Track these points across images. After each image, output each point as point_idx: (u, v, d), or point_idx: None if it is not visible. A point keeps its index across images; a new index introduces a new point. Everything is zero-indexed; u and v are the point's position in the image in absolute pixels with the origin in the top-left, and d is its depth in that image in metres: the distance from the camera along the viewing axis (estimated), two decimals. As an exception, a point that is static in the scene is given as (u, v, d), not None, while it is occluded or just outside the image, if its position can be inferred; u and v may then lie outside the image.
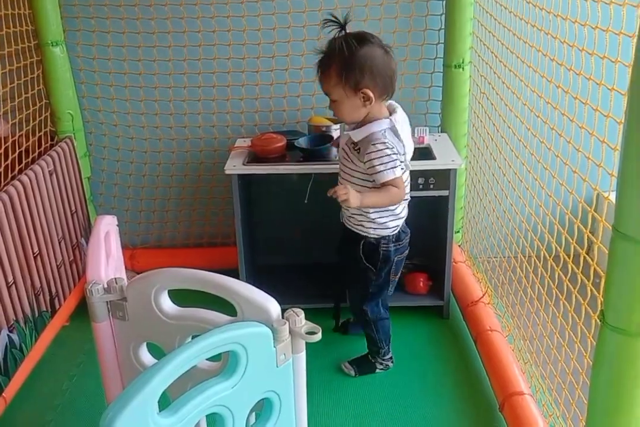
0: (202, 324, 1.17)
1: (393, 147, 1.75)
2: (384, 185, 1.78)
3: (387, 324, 2.11)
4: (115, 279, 1.24)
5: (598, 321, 1.22)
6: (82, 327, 2.29)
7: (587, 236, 1.57)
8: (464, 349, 2.28)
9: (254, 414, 1.24)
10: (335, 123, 2.46)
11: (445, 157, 2.28)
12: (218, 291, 1.16)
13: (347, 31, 1.74)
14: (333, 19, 1.73)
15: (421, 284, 2.48)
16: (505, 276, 2.26)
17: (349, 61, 1.70)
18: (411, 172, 2.20)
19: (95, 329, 1.28)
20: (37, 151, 2.35)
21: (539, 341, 1.94)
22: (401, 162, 1.79)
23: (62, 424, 1.97)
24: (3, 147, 2.10)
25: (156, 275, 1.20)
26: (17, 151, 2.19)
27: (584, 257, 1.57)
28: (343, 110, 1.79)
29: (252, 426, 1.19)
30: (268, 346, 1.12)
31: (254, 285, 1.17)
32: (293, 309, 1.17)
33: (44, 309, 2.18)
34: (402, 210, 1.93)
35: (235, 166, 2.27)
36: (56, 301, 2.27)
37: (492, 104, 2.31)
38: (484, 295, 2.34)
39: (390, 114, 1.83)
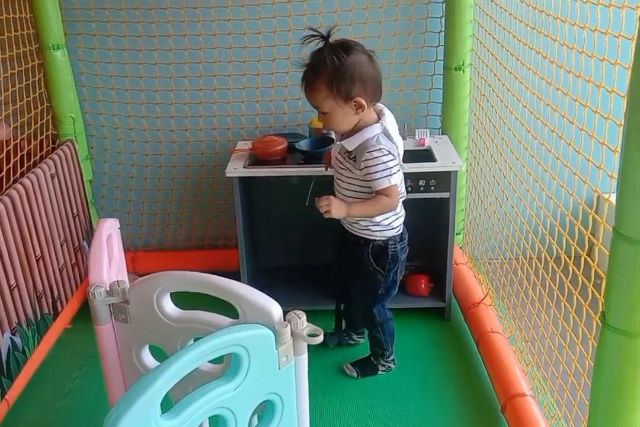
0: (205, 327, 1.17)
1: (389, 153, 1.75)
2: (378, 193, 1.78)
3: (392, 325, 2.12)
4: (117, 281, 1.24)
5: (599, 322, 1.22)
6: (84, 330, 2.29)
7: (588, 237, 1.57)
8: (465, 351, 2.28)
9: (256, 416, 1.25)
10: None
11: (446, 159, 2.28)
12: (220, 294, 1.17)
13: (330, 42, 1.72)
14: (314, 33, 1.71)
15: (422, 285, 2.49)
16: (506, 278, 2.26)
17: (338, 72, 1.68)
18: (412, 174, 2.23)
19: (98, 331, 1.28)
20: (38, 154, 2.36)
21: (540, 342, 1.95)
22: (397, 164, 1.79)
23: (65, 426, 1.97)
24: (5, 151, 2.11)
25: (158, 278, 1.21)
26: (19, 154, 2.21)
27: (585, 258, 1.57)
28: (335, 121, 1.77)
29: (255, 428, 1.19)
30: (270, 348, 1.12)
31: (255, 287, 1.18)
32: (295, 311, 1.17)
33: (47, 312, 2.18)
34: (402, 208, 1.94)
35: (236, 169, 2.28)
36: (58, 303, 2.28)
37: (492, 106, 2.31)
38: (485, 297, 2.34)
39: (379, 117, 1.82)
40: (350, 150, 1.79)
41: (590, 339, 1.53)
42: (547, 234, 1.86)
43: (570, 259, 1.66)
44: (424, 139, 2.43)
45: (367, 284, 2.00)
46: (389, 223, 1.89)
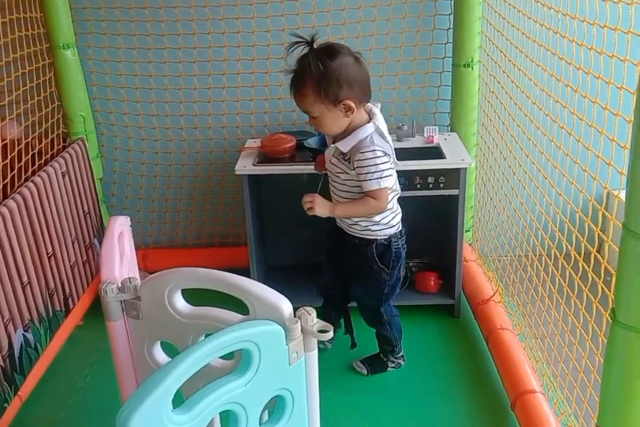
0: (215, 323, 1.18)
1: (381, 155, 1.74)
2: (366, 195, 1.78)
3: (399, 321, 2.12)
4: (129, 278, 1.25)
5: (609, 318, 1.22)
6: (95, 327, 2.30)
7: (598, 234, 1.57)
8: (475, 348, 2.28)
9: (266, 411, 1.26)
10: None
11: (455, 156, 2.28)
12: (231, 290, 1.18)
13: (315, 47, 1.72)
14: (299, 39, 1.71)
15: (432, 282, 2.49)
16: (516, 275, 2.26)
17: (324, 76, 1.67)
18: (421, 171, 2.23)
19: (110, 328, 1.29)
20: (49, 153, 2.38)
21: (550, 339, 1.94)
22: (390, 166, 1.77)
23: (76, 422, 1.99)
24: (16, 150, 2.13)
25: (169, 274, 1.22)
26: (31, 153, 2.22)
27: (595, 255, 1.57)
28: (326, 124, 1.77)
29: (265, 423, 1.20)
30: (280, 344, 1.13)
31: (265, 284, 1.18)
32: (305, 307, 1.18)
33: (58, 309, 2.20)
34: (397, 205, 1.94)
35: (245, 167, 2.29)
36: (70, 300, 2.30)
37: (501, 102, 2.31)
38: (494, 293, 2.34)
39: (370, 117, 1.81)
40: (345, 151, 1.78)
41: (600, 335, 1.53)
42: (557, 230, 1.86)
43: (580, 256, 1.66)
44: (432, 136, 2.43)
45: (372, 285, 2.00)
46: (388, 221, 1.89)
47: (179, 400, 1.03)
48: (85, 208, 2.48)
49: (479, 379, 2.12)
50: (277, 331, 1.12)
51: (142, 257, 2.73)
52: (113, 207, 2.85)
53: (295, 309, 1.18)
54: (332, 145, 1.83)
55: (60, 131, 2.54)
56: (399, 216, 1.94)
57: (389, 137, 1.83)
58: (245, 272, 2.19)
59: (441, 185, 2.25)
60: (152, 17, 2.54)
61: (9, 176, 2.05)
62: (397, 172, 2.23)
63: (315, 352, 1.20)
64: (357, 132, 1.76)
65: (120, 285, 1.26)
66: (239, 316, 1.19)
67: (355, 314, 2.17)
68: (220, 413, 1.13)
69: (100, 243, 2.57)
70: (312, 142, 2.36)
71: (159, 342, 1.31)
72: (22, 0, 2.30)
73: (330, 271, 2.13)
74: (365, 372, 2.15)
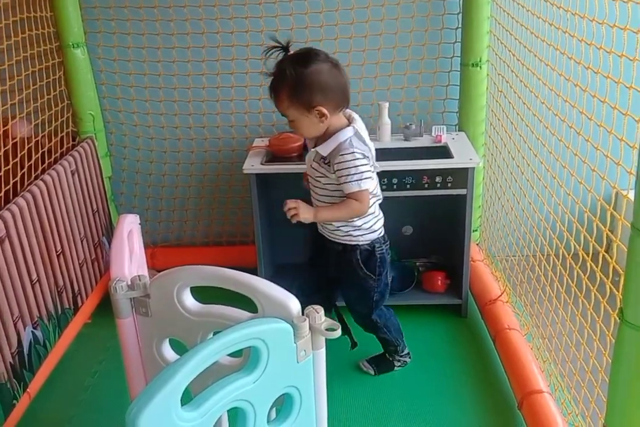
0: (224, 321, 1.19)
1: (360, 157, 1.74)
2: (348, 197, 1.78)
3: (395, 320, 2.10)
4: (138, 276, 1.26)
5: (617, 318, 1.22)
6: (103, 325, 2.33)
7: (606, 234, 1.57)
8: (482, 348, 2.28)
9: (274, 409, 1.26)
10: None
11: (462, 155, 2.28)
12: (239, 288, 1.18)
13: (291, 52, 1.74)
14: (275, 44, 1.73)
15: (439, 282, 2.49)
16: (523, 275, 2.26)
17: (297, 82, 1.69)
18: (429, 170, 2.23)
19: (119, 325, 1.30)
20: (59, 151, 2.39)
21: (557, 339, 1.94)
22: (370, 168, 1.77)
23: (85, 420, 2.00)
24: (26, 148, 2.14)
25: (178, 272, 1.22)
26: (40, 151, 2.24)
27: (603, 255, 1.56)
28: (302, 128, 1.78)
29: (274, 421, 1.21)
30: (289, 342, 1.13)
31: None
32: (313, 306, 1.18)
33: (67, 307, 2.22)
34: (377, 209, 1.92)
35: (253, 166, 2.29)
36: (78, 298, 2.31)
37: (509, 102, 2.30)
38: (502, 293, 2.34)
39: (350, 121, 1.81)
40: (325, 155, 1.78)
41: (608, 335, 1.53)
42: (565, 230, 1.85)
43: (588, 256, 1.66)
44: (440, 136, 2.43)
45: (360, 292, 1.98)
46: (370, 226, 1.88)
47: (188, 397, 1.04)
48: (94, 206, 2.50)
49: (486, 379, 2.12)
50: (285, 328, 1.13)
51: (151, 255, 2.74)
52: (122, 206, 2.86)
53: (302, 309, 1.18)
54: (312, 150, 1.84)
55: (69, 130, 2.55)
56: (381, 221, 1.93)
57: (369, 142, 1.83)
58: (253, 270, 2.20)
59: (449, 184, 2.26)
60: (161, 16, 2.56)
61: (19, 174, 2.06)
62: (403, 171, 2.25)
63: (323, 350, 1.21)
64: (337, 136, 1.76)
65: (129, 283, 1.27)
66: (247, 314, 1.20)
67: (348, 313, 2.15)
68: (228, 411, 1.13)
69: (109, 241, 2.59)
70: (320, 142, 2.36)
71: (167, 340, 1.32)
72: (33, 0, 2.31)
73: (314, 280, 2.08)
74: (372, 372, 2.15)
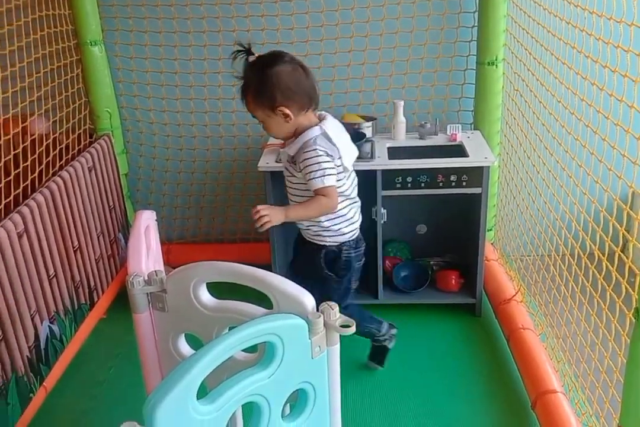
0: (240, 316, 1.20)
1: (323, 154, 1.75)
2: (316, 193, 1.78)
3: (361, 311, 2.08)
4: (155, 271, 1.27)
5: (632, 318, 1.22)
6: (119, 320, 2.36)
7: (622, 233, 1.56)
8: (496, 347, 2.28)
9: (288, 405, 1.27)
10: (367, 120, 2.48)
11: (478, 154, 2.28)
12: (255, 284, 1.19)
13: (255, 54, 1.77)
14: (240, 48, 1.76)
15: (453, 281, 2.49)
16: (538, 274, 2.25)
17: (259, 84, 1.73)
18: (444, 169, 2.23)
19: (136, 319, 1.31)
20: (76, 148, 2.42)
21: (572, 339, 1.93)
22: (336, 166, 1.78)
23: (101, 413, 2.02)
24: (44, 145, 2.17)
25: (195, 268, 1.23)
26: (58, 148, 2.26)
27: (619, 255, 1.56)
28: (270, 128, 1.82)
29: (288, 417, 1.21)
30: (303, 338, 1.14)
31: (286, 280, 1.20)
32: (327, 302, 1.19)
33: (83, 302, 2.24)
34: (355, 214, 1.92)
35: (268, 163, 2.30)
36: (95, 293, 2.34)
37: (525, 101, 2.30)
38: (516, 293, 2.33)
39: (321, 122, 1.82)
40: (292, 155, 1.81)
41: (623, 335, 1.52)
42: (581, 230, 1.85)
43: (604, 256, 1.65)
44: (455, 134, 2.43)
45: (320, 293, 1.96)
46: (339, 229, 1.88)
47: (203, 392, 1.05)
48: (111, 203, 2.52)
49: (500, 379, 2.12)
50: (300, 324, 1.13)
51: (166, 252, 2.73)
52: (138, 203, 2.88)
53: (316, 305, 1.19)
54: (282, 150, 1.87)
55: (87, 127, 2.58)
56: (354, 226, 1.92)
57: (342, 142, 1.83)
58: (267, 268, 2.20)
59: (464, 183, 2.25)
60: (178, 14, 2.57)
61: (37, 171, 2.09)
62: (417, 169, 2.24)
63: (338, 346, 1.21)
64: (303, 136, 1.79)
65: (146, 278, 1.28)
66: (262, 310, 1.20)
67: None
68: (242, 407, 1.14)
69: (125, 238, 2.62)
70: (335, 140, 2.36)
71: (183, 335, 1.33)
72: (52, -2, 2.34)
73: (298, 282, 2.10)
74: (378, 367, 2.15)
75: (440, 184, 2.26)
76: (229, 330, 1.20)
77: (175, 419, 0.96)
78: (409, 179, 2.26)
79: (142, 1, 2.56)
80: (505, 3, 2.39)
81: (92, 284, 2.31)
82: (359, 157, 2.28)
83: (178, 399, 0.96)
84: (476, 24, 2.50)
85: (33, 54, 2.17)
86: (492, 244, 2.74)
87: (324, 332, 1.17)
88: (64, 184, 2.13)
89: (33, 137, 2.12)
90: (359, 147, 2.33)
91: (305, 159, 1.75)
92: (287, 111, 1.75)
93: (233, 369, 1.11)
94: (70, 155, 2.34)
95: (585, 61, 1.72)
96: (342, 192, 1.83)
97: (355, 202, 1.92)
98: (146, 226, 1.46)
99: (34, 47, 2.19)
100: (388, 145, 2.42)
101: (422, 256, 2.64)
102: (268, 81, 1.72)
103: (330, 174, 1.76)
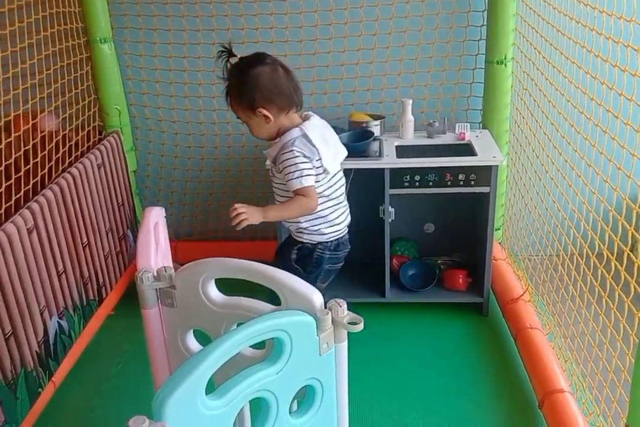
0: (248, 313, 1.20)
1: (300, 155, 1.76)
2: (296, 194, 1.79)
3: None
4: (164, 267, 1.28)
5: (641, 317, 1.22)
6: (126, 317, 2.37)
7: (632, 233, 1.55)
8: (503, 347, 2.27)
9: (295, 402, 1.27)
10: (375, 119, 2.48)
11: (486, 153, 2.27)
12: (264, 281, 1.20)
13: (237, 55, 1.79)
14: (223, 49, 1.79)
15: (460, 280, 2.48)
16: (546, 274, 2.24)
17: (239, 85, 1.76)
18: (452, 168, 2.22)
19: (145, 315, 1.32)
20: (86, 145, 2.43)
21: (580, 338, 1.93)
22: (315, 167, 1.78)
23: (109, 409, 2.03)
24: (54, 141, 2.18)
25: (204, 264, 1.24)
26: (67, 145, 2.27)
27: (628, 254, 1.55)
28: (253, 129, 1.84)
29: (295, 413, 1.22)
30: (311, 335, 1.14)
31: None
32: (336, 299, 1.19)
33: (92, 298, 2.25)
34: (339, 216, 1.92)
35: (276, 161, 2.30)
36: (103, 290, 2.35)
37: (534, 100, 2.29)
38: (524, 292, 2.33)
39: (304, 122, 1.83)
40: (273, 156, 1.82)
41: (632, 335, 1.52)
42: (590, 229, 1.84)
43: (612, 255, 1.64)
44: (464, 133, 2.43)
45: None
46: (317, 229, 1.89)
47: (211, 388, 1.05)
48: (119, 200, 2.53)
49: (507, 378, 2.11)
50: (308, 321, 1.14)
51: (173, 249, 2.75)
52: (146, 200, 2.89)
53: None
54: (265, 151, 1.88)
55: (96, 124, 2.59)
56: (336, 228, 1.92)
57: (328, 144, 1.83)
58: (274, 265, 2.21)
59: (472, 182, 2.25)
60: (188, 12, 2.58)
61: (47, 167, 2.10)
62: (426, 168, 2.24)
63: (345, 343, 1.21)
64: (282, 138, 1.81)
65: (155, 274, 1.29)
66: (270, 306, 1.21)
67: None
68: (250, 404, 1.15)
69: (134, 234, 2.63)
70: (343, 138, 2.36)
71: (191, 331, 1.34)
72: (62, -5, 2.35)
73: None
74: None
75: (449, 183, 2.26)
76: (237, 326, 1.21)
77: (184, 413, 0.97)
78: (417, 178, 2.26)
79: (151, -1, 2.58)
80: (514, 2, 2.38)
81: (100, 280, 2.32)
82: (367, 156, 2.30)
83: (187, 394, 0.96)
84: (485, 23, 2.50)
85: (43, 51, 2.18)
86: (500, 243, 2.74)
87: (332, 329, 1.17)
88: (73, 180, 2.14)
89: (43, 133, 2.13)
90: (367, 146, 2.34)
91: (283, 160, 1.77)
92: (266, 113, 1.77)
93: (241, 365, 1.12)
94: (79, 152, 2.35)
95: (595, 60, 1.71)
96: (321, 193, 1.84)
97: (339, 203, 1.92)
98: (155, 223, 1.46)
99: (44, 45, 2.19)
100: (396, 144, 2.42)
101: (429, 255, 2.64)
102: (248, 83, 1.75)
103: (308, 175, 1.77)
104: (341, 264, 2.00)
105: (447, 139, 2.46)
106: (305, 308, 1.16)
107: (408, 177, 2.25)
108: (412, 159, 2.25)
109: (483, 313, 2.46)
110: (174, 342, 1.34)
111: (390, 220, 2.33)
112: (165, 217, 1.58)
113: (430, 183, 2.26)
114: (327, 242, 1.92)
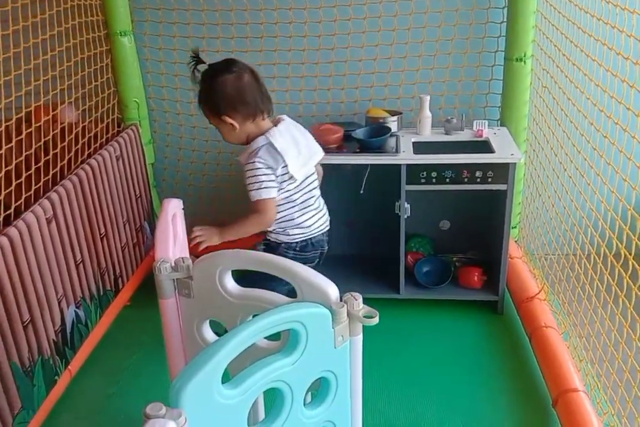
0: (264, 304, 1.21)
1: (262, 167, 1.76)
2: (253, 205, 1.80)
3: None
4: (182, 258, 1.29)
5: (659, 317, 1.21)
6: (142, 308, 2.39)
7: (650, 232, 1.54)
8: (517, 345, 2.26)
9: (310, 394, 1.28)
10: (392, 115, 2.48)
11: (504, 151, 2.26)
12: (280, 273, 1.20)
13: (206, 61, 1.81)
14: (193, 55, 1.82)
15: (475, 278, 2.47)
16: (562, 273, 2.23)
17: (206, 93, 1.80)
18: (469, 165, 2.22)
19: (162, 305, 1.33)
20: (104, 137, 2.45)
21: (595, 338, 1.92)
22: (280, 175, 1.78)
23: (124, 398, 2.05)
24: (73, 133, 2.20)
25: (221, 255, 1.25)
26: (87, 137, 2.29)
27: (646, 253, 1.54)
28: (223, 134, 1.87)
29: (310, 404, 1.22)
30: (327, 327, 1.15)
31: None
32: (351, 293, 1.20)
33: (109, 288, 2.27)
34: (308, 219, 1.92)
35: (293, 156, 2.31)
36: (120, 280, 2.37)
37: (554, 98, 2.27)
38: (540, 291, 2.32)
39: (274, 127, 1.83)
40: (243, 163, 1.83)
41: (648, 335, 1.51)
42: (608, 228, 1.83)
43: (630, 255, 1.63)
44: (482, 130, 2.42)
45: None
46: (283, 230, 1.91)
47: (226, 379, 1.06)
48: (137, 192, 2.55)
49: (521, 376, 2.11)
50: (324, 313, 1.14)
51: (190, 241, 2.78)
52: (163, 192, 2.91)
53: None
54: (237, 158, 1.90)
55: (115, 116, 2.61)
56: (304, 230, 1.92)
57: (296, 147, 1.82)
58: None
59: (489, 180, 2.24)
60: (207, 6, 2.59)
61: (66, 158, 2.12)
62: (442, 164, 2.23)
63: (360, 337, 1.22)
64: (250, 145, 1.82)
65: (173, 264, 1.30)
66: (286, 299, 1.21)
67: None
68: (265, 396, 1.15)
69: (150, 226, 2.64)
70: (359, 133, 2.37)
71: (208, 321, 1.35)
72: (83, -12, 2.37)
73: None
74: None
75: (465, 180, 2.25)
76: (252, 318, 1.22)
77: (200, 401, 0.97)
78: (434, 174, 2.25)
79: (171, -7, 2.59)
80: (535, -1, 2.37)
81: (117, 271, 2.34)
82: (384, 151, 2.30)
83: (203, 382, 0.97)
84: (505, 20, 2.48)
85: (64, 43, 2.20)
86: (516, 241, 2.73)
87: (347, 322, 1.18)
88: (92, 171, 2.16)
89: (62, 125, 2.15)
90: (384, 142, 2.34)
91: (246, 171, 1.80)
92: (231, 121, 1.79)
93: (256, 356, 1.12)
94: (98, 144, 2.37)
95: (616, 58, 1.70)
96: (288, 198, 1.85)
97: (309, 206, 1.91)
98: (173, 214, 1.47)
99: (64, 37, 2.21)
100: (413, 140, 2.41)
101: (444, 252, 2.64)
102: (212, 90, 1.78)
103: (267, 187, 1.78)
104: (311, 264, 1.97)
105: (465, 135, 2.45)
106: (320, 300, 1.16)
107: (425, 173, 2.25)
108: (429, 155, 2.25)
109: (498, 311, 2.45)
110: (190, 332, 1.35)
111: (405, 216, 2.32)
112: (183, 208, 1.59)
113: (447, 180, 2.25)
114: (291, 242, 1.93)
